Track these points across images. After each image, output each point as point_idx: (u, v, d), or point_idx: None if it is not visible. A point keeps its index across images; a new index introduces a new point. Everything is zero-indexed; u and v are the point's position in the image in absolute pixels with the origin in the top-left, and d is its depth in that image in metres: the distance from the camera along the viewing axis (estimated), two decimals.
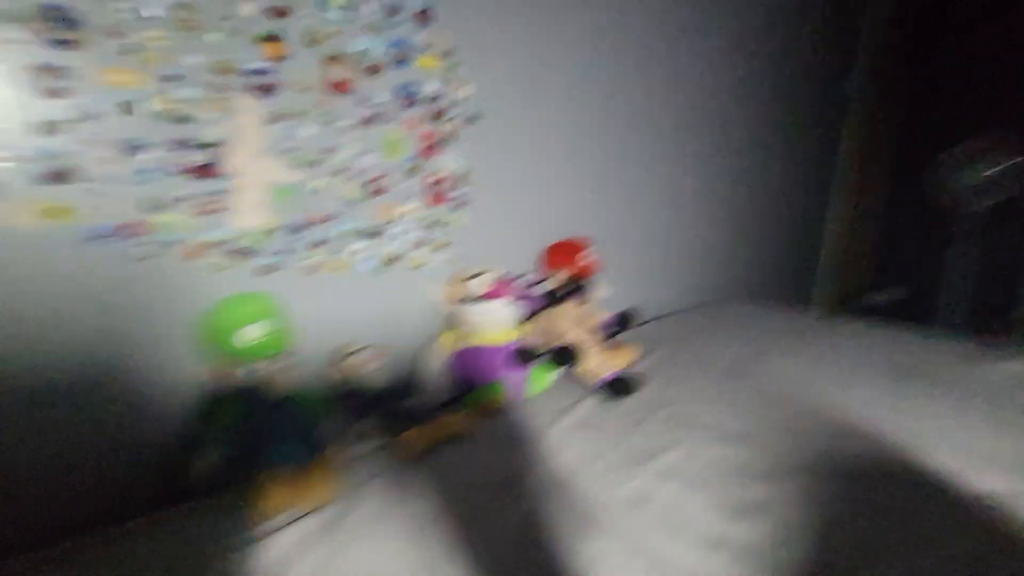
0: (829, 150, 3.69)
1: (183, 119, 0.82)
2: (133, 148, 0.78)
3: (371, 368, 1.05)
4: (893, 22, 3.80)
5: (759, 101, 2.59)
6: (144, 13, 0.76)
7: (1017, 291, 3.75)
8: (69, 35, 0.71)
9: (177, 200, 0.83)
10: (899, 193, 4.21)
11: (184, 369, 0.87)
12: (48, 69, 0.70)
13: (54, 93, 0.71)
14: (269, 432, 0.84)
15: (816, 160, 3.53)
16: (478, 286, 1.19)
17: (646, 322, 1.89)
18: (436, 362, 1.16)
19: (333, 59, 0.98)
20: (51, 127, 0.71)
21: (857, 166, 3.86)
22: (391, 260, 1.14)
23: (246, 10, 0.86)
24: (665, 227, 2.08)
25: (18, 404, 0.73)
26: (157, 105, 0.79)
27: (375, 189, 1.09)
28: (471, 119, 1.24)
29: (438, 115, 1.17)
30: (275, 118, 0.92)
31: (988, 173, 3.32)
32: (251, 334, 0.84)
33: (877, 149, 4.01)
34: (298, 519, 0.73)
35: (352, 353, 1.05)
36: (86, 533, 0.70)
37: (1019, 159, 3.31)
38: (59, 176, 0.72)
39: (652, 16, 1.77)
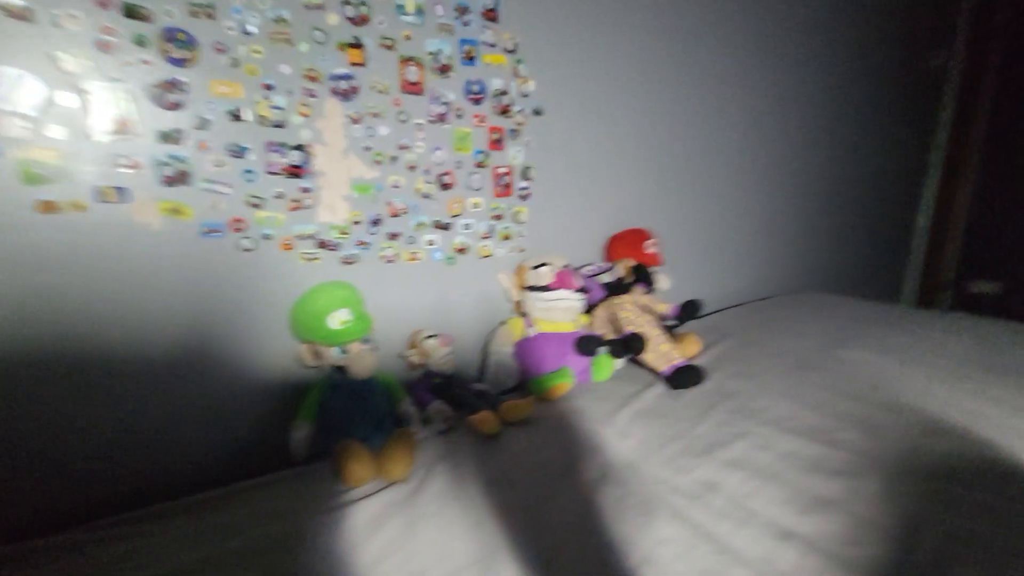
0: (922, 133, 3.38)
1: (279, 123, 0.90)
2: (239, 152, 0.87)
3: (443, 353, 1.11)
4: None
5: (841, 79, 2.42)
6: (246, 29, 0.84)
7: None
8: (185, 54, 0.80)
9: (274, 197, 0.92)
10: (993, 178, 3.82)
11: (282, 349, 0.97)
12: (168, 84, 0.80)
13: (173, 106, 0.81)
14: (354, 410, 0.92)
15: (908, 143, 3.25)
16: (544, 275, 1.22)
17: (715, 312, 1.85)
18: (504, 348, 1.21)
19: (408, 61, 1.03)
20: (171, 136, 0.81)
21: (951, 148, 3.53)
22: (461, 250, 1.20)
23: (332, 20, 0.93)
24: (734, 217, 2.01)
25: (141, 373, 0.84)
26: (258, 112, 0.88)
27: (446, 183, 1.14)
28: (535, 113, 1.26)
29: (504, 110, 1.20)
30: (356, 119, 0.99)
31: None
32: (341, 318, 0.92)
33: (971, 130, 3.64)
34: (377, 492, 0.80)
35: (426, 338, 1.11)
36: (190, 494, 0.81)
37: None
38: (179, 178, 0.82)
39: (719, 5, 1.70)
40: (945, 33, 3.17)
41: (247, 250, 0.91)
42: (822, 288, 2.63)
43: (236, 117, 0.86)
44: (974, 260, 4.05)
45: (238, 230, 0.89)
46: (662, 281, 1.42)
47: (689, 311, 1.29)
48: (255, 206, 0.90)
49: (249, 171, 0.88)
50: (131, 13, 0.75)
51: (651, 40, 1.51)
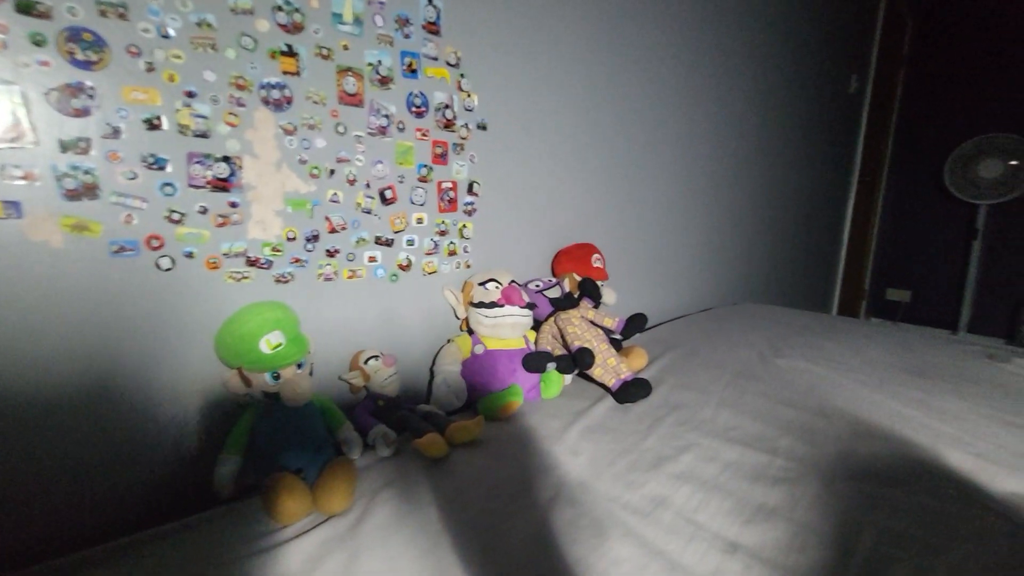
0: (845, 153, 3.67)
1: (202, 133, 0.84)
2: (156, 163, 0.80)
3: (386, 374, 1.06)
4: (896, 26, 3.77)
5: (771, 105, 2.59)
6: (165, 32, 0.78)
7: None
8: (93, 56, 0.73)
9: (198, 212, 0.85)
10: (900, 196, 4.21)
11: (208, 377, 0.89)
12: (72, 89, 0.72)
13: (79, 112, 0.73)
14: (288, 439, 0.86)
15: (833, 163, 3.51)
16: (491, 291, 1.20)
17: (657, 325, 1.89)
18: (451, 367, 1.18)
19: (346, 71, 1.00)
20: (75, 145, 0.73)
21: (864, 168, 3.85)
22: (405, 267, 1.16)
23: (262, 26, 0.88)
24: (675, 232, 2.08)
25: (39, 414, 0.75)
26: (178, 120, 0.81)
27: (388, 197, 1.10)
28: (480, 128, 1.25)
29: (448, 124, 1.18)
30: (290, 130, 0.94)
31: (1013, 163, 3.29)
32: (272, 341, 0.86)
33: (881, 151, 4.00)
34: (313, 528, 0.74)
35: (368, 359, 1.06)
36: (105, 541, 0.71)
37: None
38: (84, 192, 0.74)
39: (659, 23, 1.78)
40: (861, 61, 3.46)
41: (166, 270, 0.83)
42: (759, 299, 2.77)
43: (153, 126, 0.79)
44: (887, 271, 4.42)
45: (155, 248, 0.81)
46: (608, 295, 1.44)
47: (635, 325, 1.30)
48: (176, 222, 0.83)
49: (168, 184, 0.81)
50: (25, 8, 0.68)
51: (593, 59, 1.55)
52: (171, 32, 0.79)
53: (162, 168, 0.81)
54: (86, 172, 0.74)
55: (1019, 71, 3.64)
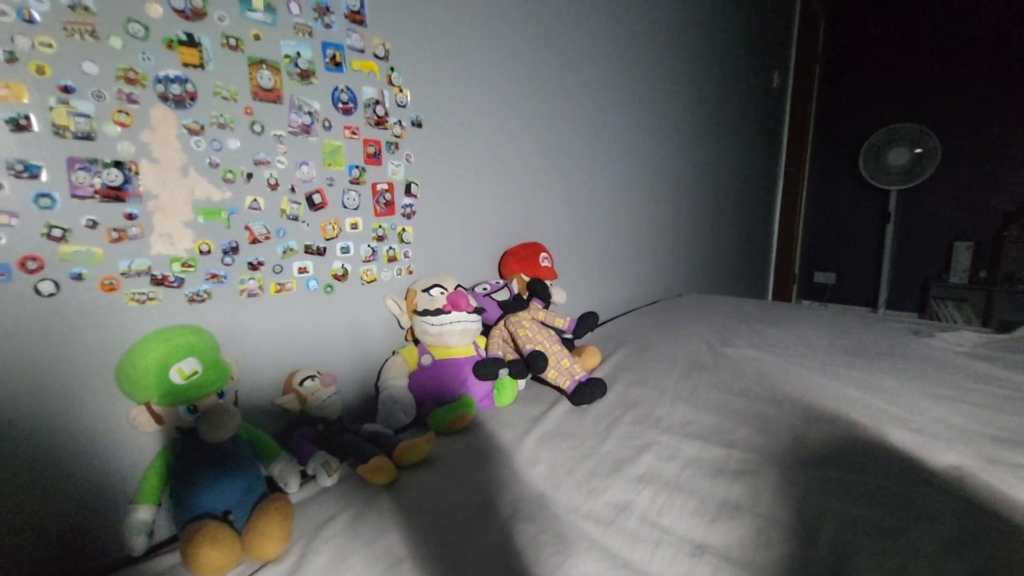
0: (773, 147, 3.84)
1: (85, 135, 0.72)
2: (27, 171, 0.68)
3: (325, 394, 0.97)
4: (811, 24, 4.01)
5: (703, 102, 2.66)
6: (28, 16, 0.66)
7: (929, 269, 4.05)
8: None
9: (86, 227, 0.73)
10: (821, 185, 4.51)
11: (110, 416, 0.77)
12: None
13: None
14: (211, 478, 0.75)
15: (763, 156, 3.67)
16: (435, 298, 1.13)
17: (608, 321, 1.88)
18: (397, 382, 1.10)
19: (259, 64, 0.90)
20: None
21: (789, 160, 4.07)
22: (340, 277, 1.07)
23: (153, 11, 0.77)
24: (620, 227, 2.09)
25: None
26: (53, 120, 0.69)
27: (316, 202, 1.01)
28: (414, 125, 1.18)
29: (380, 122, 1.10)
30: (196, 130, 0.83)
31: (918, 151, 3.57)
32: (185, 370, 0.76)
33: (803, 143, 4.25)
34: None
35: (303, 380, 0.97)
36: None
37: (935, 141, 3.57)
38: None
39: (595, 20, 1.76)
40: (782, 58, 3.64)
41: (49, 295, 0.71)
42: (701, 288, 2.85)
43: (20, 127, 0.67)
44: (814, 255, 4.71)
45: (33, 271, 0.69)
46: (558, 295, 1.40)
47: (586, 324, 1.27)
48: (57, 239, 0.71)
49: (45, 195, 0.69)
50: None
51: (530, 53, 1.51)
52: (36, 16, 0.67)
53: (35, 176, 0.68)
54: None
55: (921, 65, 3.96)
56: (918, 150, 3.77)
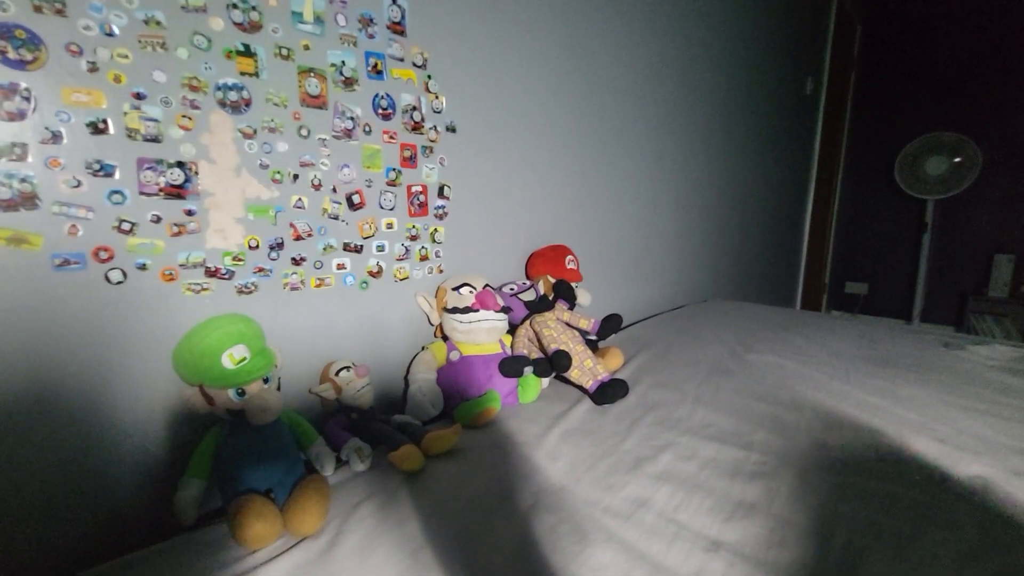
0: (804, 153, 3.79)
1: (153, 138, 0.79)
2: (103, 170, 0.75)
3: (359, 385, 1.03)
4: (846, 30, 3.93)
5: (734, 108, 2.65)
6: (109, 29, 0.73)
7: (966, 279, 3.92)
8: (27, 55, 0.68)
9: (151, 221, 0.80)
10: (854, 193, 4.40)
11: (169, 395, 0.84)
12: (4, 90, 0.67)
13: (13, 116, 0.68)
14: (255, 459, 0.81)
15: (794, 162, 3.62)
16: (464, 296, 1.18)
17: (632, 324, 1.90)
18: (426, 375, 1.15)
19: (307, 72, 0.96)
20: (9, 151, 0.67)
21: (821, 167, 4.00)
22: (375, 274, 1.12)
23: (216, 24, 0.84)
24: (646, 232, 2.10)
25: None
26: (127, 124, 0.76)
27: (355, 203, 1.07)
28: (449, 130, 1.23)
29: (416, 127, 1.16)
30: (249, 133, 0.89)
31: (958, 160, 3.47)
32: (236, 356, 0.82)
33: (836, 150, 4.16)
34: (284, 552, 0.70)
35: (339, 371, 1.03)
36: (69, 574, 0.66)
37: (976, 150, 3.46)
38: (21, 202, 0.69)
39: (626, 27, 1.79)
40: (815, 64, 3.59)
41: (117, 283, 0.78)
42: (728, 295, 2.83)
43: (98, 130, 0.74)
44: (845, 265, 4.60)
45: (104, 260, 0.76)
46: (583, 297, 1.43)
47: (610, 326, 1.30)
48: (126, 232, 0.78)
49: (117, 192, 0.76)
50: None
51: (561, 61, 1.55)
52: (115, 30, 0.74)
53: (109, 175, 0.75)
54: (23, 180, 0.68)
55: (962, 72, 3.85)
56: (957, 159, 3.66)
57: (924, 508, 0.78)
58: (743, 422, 1.06)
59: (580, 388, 1.23)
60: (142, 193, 0.79)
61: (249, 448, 0.82)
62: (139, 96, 0.77)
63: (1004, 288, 3.73)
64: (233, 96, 0.87)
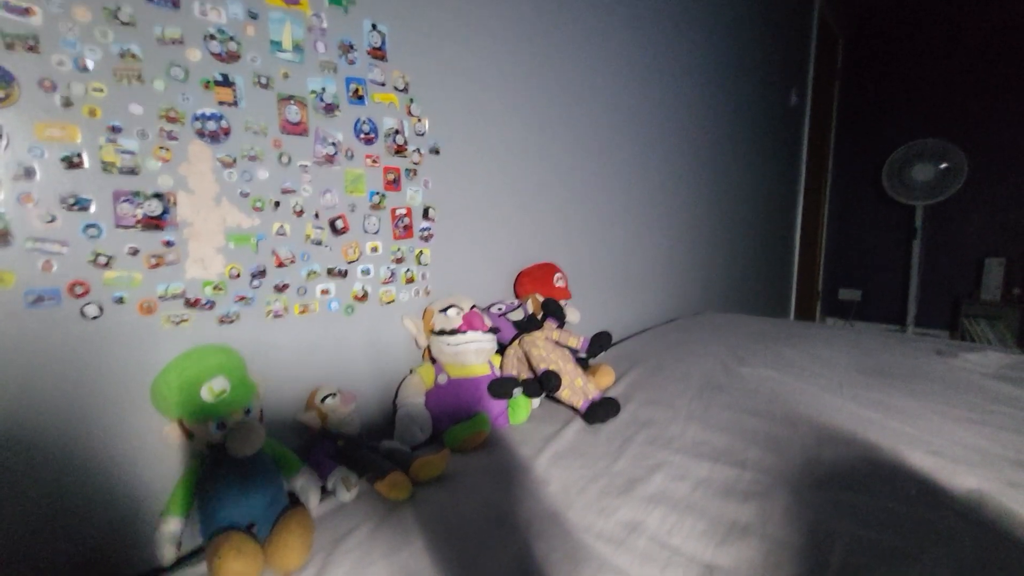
0: (792, 163, 3.82)
1: (130, 170, 0.78)
2: (78, 203, 0.74)
3: (345, 412, 1.01)
4: (829, 41, 4.01)
5: (720, 121, 2.68)
6: (83, 64, 0.73)
7: (959, 285, 3.93)
8: None
9: (128, 254, 0.79)
10: (844, 201, 4.44)
11: (145, 431, 0.82)
12: None
13: None
14: (237, 492, 0.79)
15: (782, 173, 3.65)
16: (452, 318, 1.17)
17: (623, 340, 1.89)
18: (414, 400, 1.13)
19: (287, 100, 0.96)
20: None
21: (809, 176, 4.04)
22: (360, 298, 1.11)
23: (193, 55, 0.84)
24: (635, 246, 2.11)
25: None
26: (102, 157, 0.76)
27: (339, 227, 1.06)
28: (432, 152, 1.23)
29: (399, 150, 1.16)
30: (228, 162, 0.89)
31: (944, 166, 3.51)
32: (215, 388, 0.80)
33: (823, 159, 4.21)
34: None
35: (325, 398, 1.01)
36: None
37: (962, 156, 3.50)
38: None
39: (609, 41, 1.81)
40: (799, 76, 3.64)
41: (94, 318, 0.76)
42: (720, 307, 2.83)
43: (72, 164, 0.73)
44: (838, 272, 4.62)
45: (80, 295, 0.75)
46: (572, 314, 1.43)
47: (599, 343, 1.29)
48: (102, 266, 0.77)
49: (92, 225, 0.76)
50: None
51: (544, 80, 1.56)
52: (90, 64, 0.74)
53: (85, 208, 0.75)
54: None
55: (944, 79, 3.91)
56: (943, 165, 3.70)
57: (920, 524, 0.76)
58: (736, 439, 1.05)
59: (571, 408, 1.21)
60: (119, 226, 0.78)
61: (230, 481, 0.80)
62: (115, 129, 0.77)
63: (996, 291, 3.74)
64: (212, 126, 0.87)
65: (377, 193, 1.13)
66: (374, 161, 1.11)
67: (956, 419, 1.09)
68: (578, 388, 1.19)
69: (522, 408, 1.19)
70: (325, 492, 0.91)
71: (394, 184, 1.16)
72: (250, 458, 0.82)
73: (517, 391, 1.17)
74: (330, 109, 1.03)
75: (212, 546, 0.71)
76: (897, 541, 0.73)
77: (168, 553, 0.76)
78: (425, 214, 1.23)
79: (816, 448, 1.00)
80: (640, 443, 1.05)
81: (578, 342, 1.31)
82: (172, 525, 0.78)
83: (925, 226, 4.02)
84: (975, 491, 0.84)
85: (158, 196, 0.81)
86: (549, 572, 0.70)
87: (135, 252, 0.80)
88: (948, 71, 3.89)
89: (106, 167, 0.76)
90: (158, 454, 0.84)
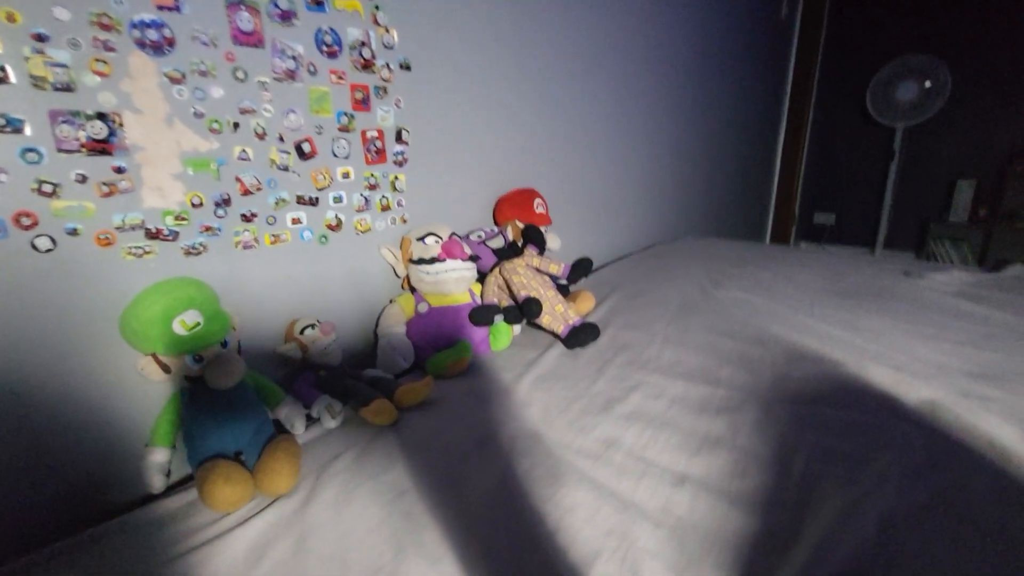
0: (777, 84, 3.70)
1: (65, 86, 0.71)
2: (11, 125, 0.67)
3: (325, 342, 1.01)
4: None
5: (706, 36, 2.54)
6: None
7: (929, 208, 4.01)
8: None
9: (76, 181, 0.73)
10: (824, 124, 4.37)
11: (119, 366, 0.80)
12: None
13: None
14: (222, 422, 0.80)
15: (765, 95, 3.54)
16: (430, 246, 1.14)
17: (603, 266, 1.90)
18: (395, 329, 1.13)
19: (237, 5, 0.86)
20: None
21: (793, 97, 3.93)
22: (334, 227, 1.07)
23: None
24: (616, 171, 2.06)
25: None
26: (30, 71, 0.68)
27: (305, 152, 1.00)
28: (403, 68, 1.14)
29: (366, 65, 1.07)
30: (177, 78, 0.81)
31: (928, 85, 3.45)
32: (188, 321, 0.78)
33: (808, 81, 4.08)
34: (257, 513, 0.70)
35: (304, 328, 1.00)
36: (28, 551, 0.65)
37: (946, 73, 3.44)
38: None
39: None
40: None
41: (47, 251, 0.72)
42: (698, 232, 2.85)
43: None
44: (814, 196, 4.64)
45: (28, 227, 0.70)
46: (553, 241, 1.41)
47: (580, 270, 1.29)
48: (48, 195, 0.71)
49: (31, 150, 0.69)
50: None
51: None
52: None
53: (18, 131, 0.68)
54: None
55: None
56: (928, 83, 3.64)
57: (877, 432, 0.82)
58: (711, 359, 1.09)
59: (552, 333, 1.23)
60: (60, 150, 0.71)
61: (213, 413, 0.80)
62: (41, 38, 0.68)
63: (964, 213, 3.83)
64: (153, 35, 0.78)
65: (345, 114, 1.05)
66: (340, 78, 1.03)
67: (918, 336, 1.15)
68: (558, 314, 1.20)
69: (503, 335, 1.21)
70: (310, 420, 0.92)
71: (363, 104, 1.08)
72: (232, 389, 0.82)
73: (498, 318, 1.18)
74: (287, 17, 0.93)
75: (201, 473, 0.72)
76: (854, 448, 0.78)
77: (157, 481, 0.77)
78: (398, 137, 1.16)
79: (786, 366, 1.04)
80: (618, 365, 1.09)
81: (559, 269, 1.31)
82: (158, 455, 0.78)
83: (902, 148, 4.01)
84: (928, 401, 0.90)
85: (101, 116, 0.74)
86: (530, 487, 0.74)
87: (83, 179, 0.74)
88: None
89: (36, 82, 0.68)
90: (138, 387, 0.83)
